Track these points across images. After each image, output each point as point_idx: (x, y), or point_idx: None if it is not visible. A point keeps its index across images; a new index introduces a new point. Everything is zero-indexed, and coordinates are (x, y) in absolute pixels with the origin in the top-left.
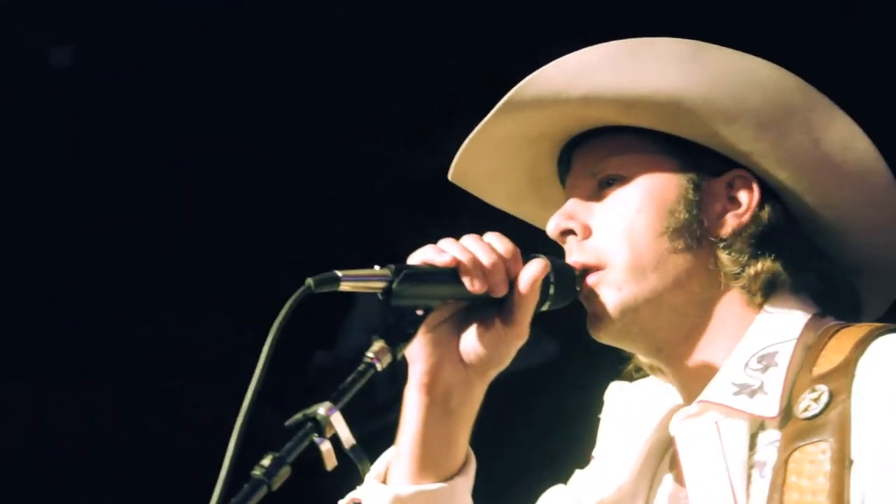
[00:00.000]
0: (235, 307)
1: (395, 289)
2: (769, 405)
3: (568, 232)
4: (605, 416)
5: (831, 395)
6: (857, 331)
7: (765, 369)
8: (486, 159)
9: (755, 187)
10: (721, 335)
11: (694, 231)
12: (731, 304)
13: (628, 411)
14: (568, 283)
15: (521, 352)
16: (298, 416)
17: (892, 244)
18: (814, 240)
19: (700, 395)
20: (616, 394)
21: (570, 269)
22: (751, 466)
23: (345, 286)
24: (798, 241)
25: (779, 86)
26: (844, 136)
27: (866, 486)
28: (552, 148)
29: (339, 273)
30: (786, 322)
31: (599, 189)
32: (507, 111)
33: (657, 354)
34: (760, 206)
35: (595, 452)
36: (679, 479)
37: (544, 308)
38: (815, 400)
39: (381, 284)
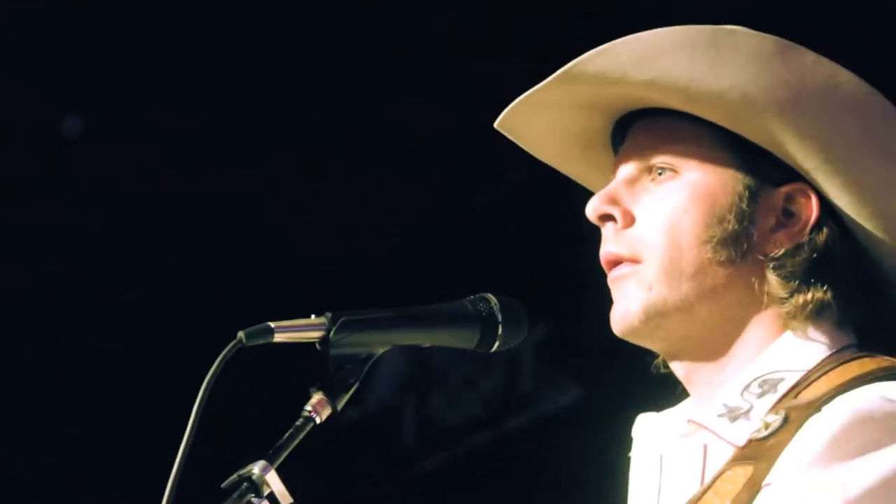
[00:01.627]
0: None
1: (333, 338)
2: (742, 432)
3: (608, 217)
4: (634, 454)
5: (784, 422)
6: (867, 363)
7: (761, 395)
8: (537, 118)
9: (815, 205)
10: (743, 354)
11: (741, 244)
12: (764, 324)
13: (659, 441)
14: (516, 321)
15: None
16: (234, 477)
17: None
18: (870, 272)
19: (695, 413)
20: (643, 426)
21: (517, 305)
22: None
23: (279, 337)
24: (853, 272)
25: (868, 109)
26: None
27: None
28: (607, 117)
29: (272, 325)
30: (808, 350)
31: (649, 176)
32: (568, 81)
33: (674, 362)
34: (818, 227)
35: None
36: None
37: (494, 348)
38: (768, 424)
39: (319, 334)
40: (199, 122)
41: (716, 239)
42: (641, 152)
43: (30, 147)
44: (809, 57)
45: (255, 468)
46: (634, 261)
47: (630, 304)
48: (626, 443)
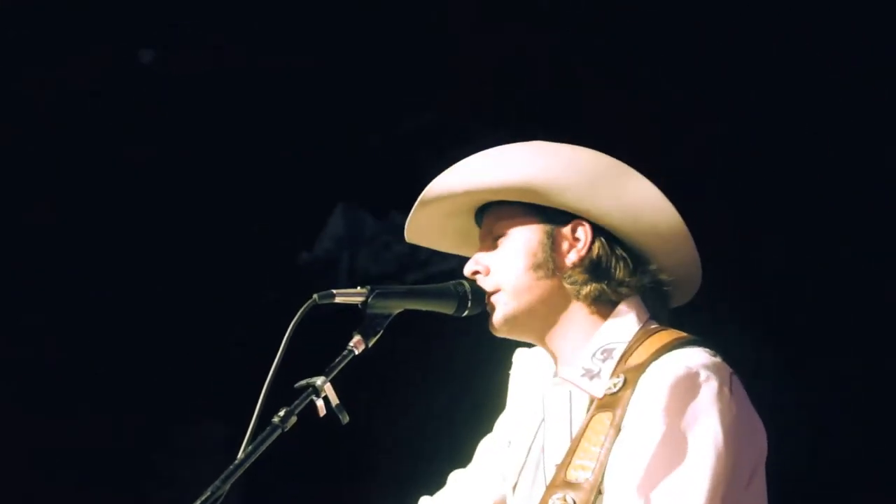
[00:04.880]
0: None
1: (370, 302)
2: (600, 387)
3: (476, 272)
4: (513, 372)
5: (625, 382)
6: (665, 336)
7: (604, 360)
8: (427, 228)
9: (588, 230)
10: (575, 331)
11: (549, 265)
12: (580, 311)
13: (528, 369)
14: (480, 299)
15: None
16: (303, 382)
17: (683, 264)
18: (635, 262)
19: (561, 371)
20: (520, 356)
21: (482, 290)
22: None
23: (338, 299)
24: (620, 265)
25: (592, 165)
26: (638, 191)
27: (615, 447)
28: (470, 216)
29: (335, 291)
30: (623, 327)
31: (493, 242)
32: (424, 204)
33: (537, 341)
34: (593, 241)
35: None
36: None
37: (465, 314)
38: (615, 384)
39: (360, 299)
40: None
41: (534, 265)
42: (488, 230)
43: None
44: (553, 147)
45: (318, 380)
46: (496, 291)
47: (497, 316)
48: None
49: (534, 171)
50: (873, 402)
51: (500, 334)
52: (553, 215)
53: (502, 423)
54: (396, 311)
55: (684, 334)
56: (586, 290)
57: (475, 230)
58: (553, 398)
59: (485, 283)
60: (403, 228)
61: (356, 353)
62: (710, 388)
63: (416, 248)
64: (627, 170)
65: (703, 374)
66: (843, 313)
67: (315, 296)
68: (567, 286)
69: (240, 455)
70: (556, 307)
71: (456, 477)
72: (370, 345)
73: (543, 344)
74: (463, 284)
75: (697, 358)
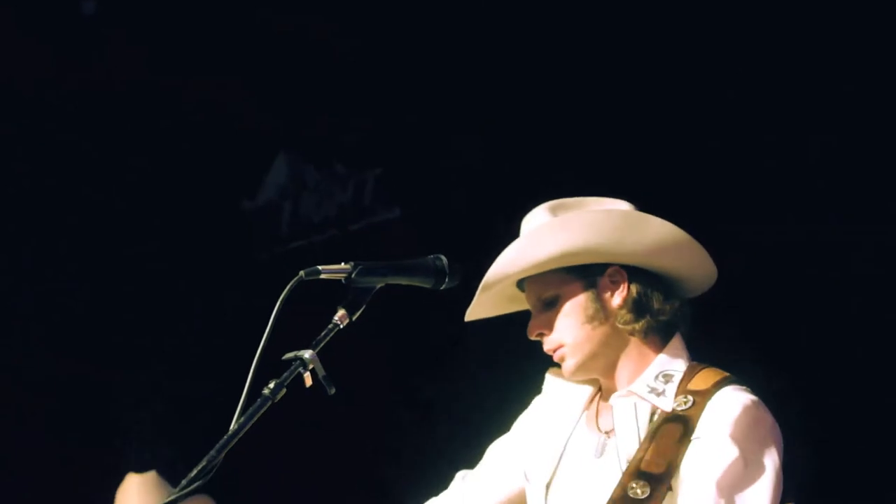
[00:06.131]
0: None
1: (354, 277)
2: (667, 403)
3: (540, 334)
4: (545, 389)
5: (694, 402)
6: (715, 373)
7: (666, 381)
8: (483, 309)
9: (622, 272)
10: (631, 360)
11: (600, 314)
12: (635, 344)
13: (559, 390)
14: (455, 273)
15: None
16: (291, 355)
17: (697, 261)
18: (664, 284)
19: (628, 386)
20: (551, 377)
21: (457, 264)
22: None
23: (324, 275)
24: (655, 294)
25: (609, 222)
26: (652, 227)
27: (690, 452)
28: (512, 284)
29: (320, 267)
30: (677, 361)
31: (545, 307)
32: (484, 289)
33: (601, 377)
34: (630, 280)
35: (536, 401)
36: (594, 429)
37: (442, 287)
38: (685, 402)
39: (345, 274)
40: None
41: (586, 318)
42: (536, 297)
43: None
44: (573, 219)
45: (306, 353)
46: (560, 346)
47: (567, 366)
48: None
49: (565, 245)
50: (875, 408)
51: (574, 379)
52: (589, 270)
53: (527, 428)
54: (379, 286)
55: (728, 374)
56: (638, 325)
57: (518, 293)
58: (621, 408)
59: (548, 342)
60: (348, 182)
61: (341, 326)
62: (769, 419)
63: (358, 199)
64: (637, 214)
65: (763, 407)
66: (845, 321)
67: (301, 272)
68: (620, 326)
69: (232, 426)
70: (615, 346)
71: (464, 475)
72: (354, 318)
73: (604, 376)
74: (441, 259)
75: (751, 395)
